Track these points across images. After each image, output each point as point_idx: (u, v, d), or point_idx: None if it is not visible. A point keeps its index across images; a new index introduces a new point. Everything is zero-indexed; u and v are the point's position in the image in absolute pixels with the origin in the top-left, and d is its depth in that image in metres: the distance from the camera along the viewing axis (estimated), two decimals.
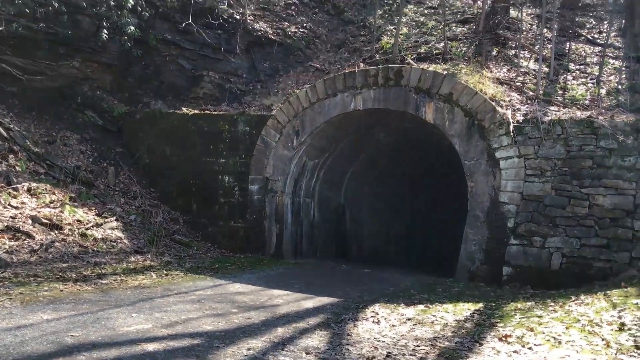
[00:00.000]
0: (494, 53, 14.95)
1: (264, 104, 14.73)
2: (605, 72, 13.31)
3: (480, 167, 11.09)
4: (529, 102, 11.89)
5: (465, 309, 7.63)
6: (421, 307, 7.76)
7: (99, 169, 13.14)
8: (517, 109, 11.56)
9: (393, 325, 6.49)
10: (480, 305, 7.93)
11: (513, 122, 10.87)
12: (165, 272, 9.17)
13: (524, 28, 16.45)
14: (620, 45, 15.34)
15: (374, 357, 5.12)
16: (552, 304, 7.56)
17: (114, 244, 10.77)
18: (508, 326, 6.43)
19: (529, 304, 7.80)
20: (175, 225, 12.97)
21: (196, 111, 14.12)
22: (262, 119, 13.22)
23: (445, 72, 12.05)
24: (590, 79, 13.31)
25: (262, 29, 16.85)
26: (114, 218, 11.59)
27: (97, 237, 10.63)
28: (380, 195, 17.10)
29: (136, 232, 11.67)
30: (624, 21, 16.33)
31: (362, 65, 14.58)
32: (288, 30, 17.32)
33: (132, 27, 13.65)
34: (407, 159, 16.37)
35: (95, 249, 10.16)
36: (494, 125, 10.98)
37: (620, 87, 12.75)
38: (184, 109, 14.24)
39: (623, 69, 13.61)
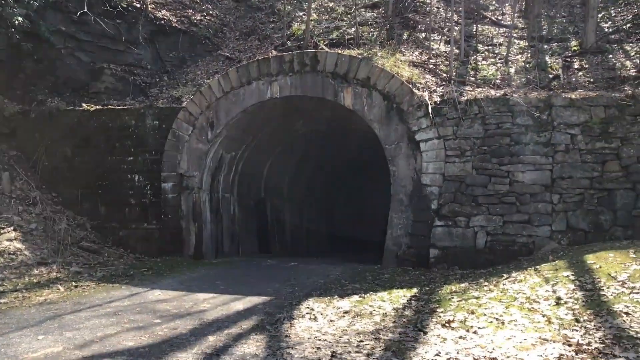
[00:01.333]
0: (404, 37, 14.95)
1: (173, 95, 13.93)
2: (512, 52, 13.59)
3: (401, 151, 10.94)
4: (443, 83, 11.89)
5: (401, 295, 7.39)
6: (356, 297, 7.45)
7: None
8: (433, 90, 11.52)
9: (331, 321, 6.11)
10: (415, 290, 7.73)
11: (431, 104, 10.79)
12: (74, 283, 8.29)
13: (429, 11, 16.61)
14: (523, 26, 15.74)
15: (319, 359, 4.71)
16: (486, 283, 7.47)
17: (13, 256, 9.69)
18: (448, 311, 6.22)
19: (463, 285, 7.69)
20: (82, 232, 11.95)
21: (98, 107, 13.08)
22: (172, 111, 12.44)
23: (360, 56, 11.79)
24: (499, 59, 13.54)
25: (165, 17, 15.93)
26: (12, 228, 10.47)
27: None
28: (300, 185, 16.72)
29: (38, 241, 10.61)
30: (524, 3, 16.83)
31: (274, 52, 14.11)
32: (193, 18, 16.52)
33: (20, 18, 12.39)
34: (327, 147, 16.07)
35: None
36: (413, 108, 10.85)
37: (527, 65, 13.04)
38: (84, 105, 13.15)
39: (528, 48, 13.96)
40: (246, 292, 7.88)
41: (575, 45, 13.75)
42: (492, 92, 11.18)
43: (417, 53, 13.84)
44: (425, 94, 11.16)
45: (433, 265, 10.33)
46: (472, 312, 6.04)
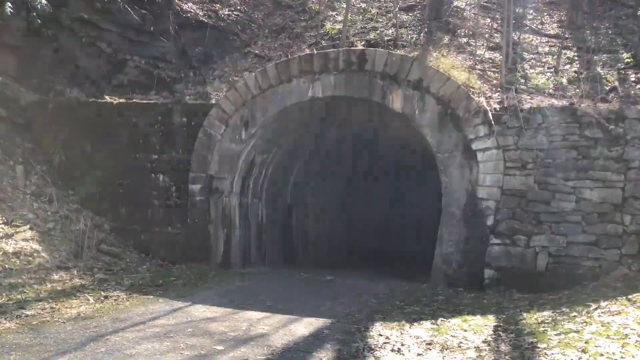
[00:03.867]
0: (445, 41, 14.19)
1: (199, 92, 13.10)
2: (560, 62, 12.84)
3: (455, 160, 10.08)
4: (498, 90, 11.08)
5: (481, 324, 6.50)
6: (427, 324, 6.56)
7: (5, 169, 10.91)
8: (489, 96, 10.70)
9: (419, 354, 5.23)
10: (492, 318, 6.85)
11: (491, 110, 9.94)
12: (103, 293, 7.37)
13: (467, 17, 15.95)
14: (566, 36, 15.01)
15: None
16: (575, 313, 6.59)
17: (30, 258, 8.78)
18: (552, 347, 5.34)
19: (546, 314, 6.81)
20: (101, 233, 11.01)
21: (122, 100, 12.18)
22: (203, 108, 11.55)
23: (412, 56, 10.96)
24: (548, 68, 12.78)
25: (191, 10, 15.12)
26: (28, 227, 9.56)
27: (7, 251, 8.61)
28: (325, 192, 15.84)
29: (56, 243, 9.70)
30: (566, 13, 16.19)
31: (307, 51, 13.30)
32: (220, 12, 15.69)
33: (44, 0, 11.52)
34: (358, 153, 15.21)
35: (7, 266, 8.15)
36: (470, 114, 9.99)
37: (581, 76, 12.27)
38: (107, 97, 12.25)
39: (576, 58, 13.24)
40: (299, 311, 6.98)
41: (628, 57, 12.98)
42: (555, 101, 10.36)
43: (460, 58, 13.04)
44: (482, 99, 10.32)
45: (488, 287, 9.44)
46: (584, 351, 5.16)
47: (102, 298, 7.10)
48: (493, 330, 6.15)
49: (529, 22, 16.31)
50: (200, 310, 6.68)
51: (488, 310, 7.37)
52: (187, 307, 6.82)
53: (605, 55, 13.50)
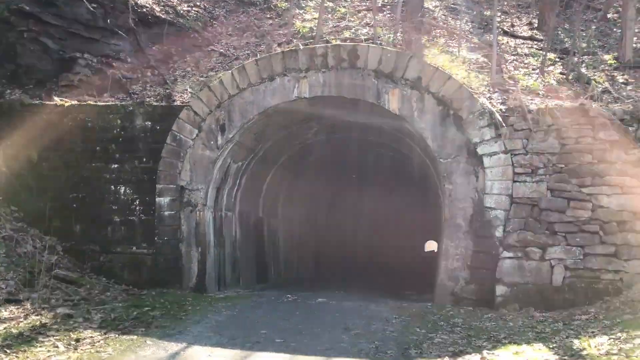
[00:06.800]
0: (423, 41, 13.44)
1: (161, 93, 11.73)
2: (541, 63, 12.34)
3: (459, 166, 9.20)
4: (496, 90, 10.34)
5: (538, 359, 5.55)
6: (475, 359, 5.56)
7: None
8: (489, 97, 9.92)
9: None
10: (542, 347, 5.93)
11: (498, 112, 9.13)
12: (72, 335, 5.95)
13: (437, 18, 15.39)
14: (541, 38, 14.62)
15: None
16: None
17: None
18: None
19: (603, 340, 5.93)
20: (53, 256, 9.43)
21: (74, 102, 10.66)
22: (169, 111, 10.27)
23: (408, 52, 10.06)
24: (532, 70, 12.22)
25: (147, 4, 13.69)
26: None
27: None
28: (295, 202, 14.72)
29: (1, 270, 8.13)
30: (537, 15, 15.89)
31: (279, 49, 12.21)
32: (179, 8, 14.34)
33: None
34: (336, 160, 14.19)
35: None
36: (474, 116, 9.15)
37: (569, 77, 11.76)
38: (56, 98, 10.70)
39: (557, 60, 12.78)
40: (318, 349, 5.82)
41: (610, 59, 12.60)
42: (567, 102, 9.68)
43: (441, 59, 12.27)
44: (484, 100, 9.51)
45: (501, 305, 8.58)
46: None
47: (73, 342, 5.67)
48: None
49: (498, 23, 15.85)
50: (204, 355, 5.40)
51: (526, 337, 6.46)
52: (184, 351, 5.53)
53: (586, 57, 13.12)
